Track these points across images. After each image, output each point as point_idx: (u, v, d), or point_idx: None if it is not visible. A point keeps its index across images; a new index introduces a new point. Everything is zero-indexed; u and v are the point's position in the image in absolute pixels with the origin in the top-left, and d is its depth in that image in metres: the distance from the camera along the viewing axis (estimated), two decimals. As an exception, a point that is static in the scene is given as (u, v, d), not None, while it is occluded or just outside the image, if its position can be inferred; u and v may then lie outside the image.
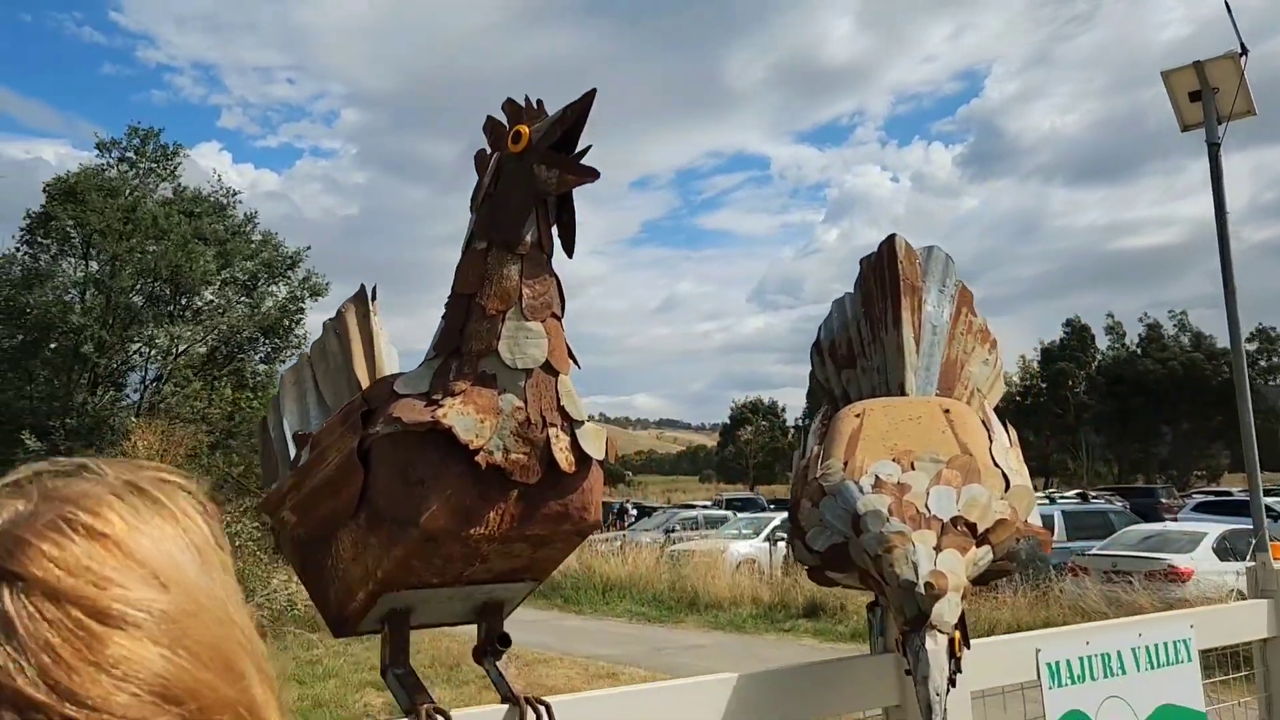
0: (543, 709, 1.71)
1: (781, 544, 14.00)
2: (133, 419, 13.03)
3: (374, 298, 2.15)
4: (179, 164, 15.18)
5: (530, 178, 1.61)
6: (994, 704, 2.55)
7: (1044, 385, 58.35)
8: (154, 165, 15.04)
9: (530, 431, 1.59)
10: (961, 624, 2.28)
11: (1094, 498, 25.69)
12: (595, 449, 1.66)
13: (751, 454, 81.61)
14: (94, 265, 13.18)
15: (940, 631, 1.79)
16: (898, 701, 2.25)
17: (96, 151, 14.76)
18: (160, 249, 13.23)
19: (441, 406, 1.55)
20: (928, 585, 1.83)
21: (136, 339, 13.13)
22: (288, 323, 14.63)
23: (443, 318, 1.68)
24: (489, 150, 1.74)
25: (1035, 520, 2.13)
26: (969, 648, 2.27)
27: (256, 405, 13.54)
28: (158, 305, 13.42)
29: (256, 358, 14.58)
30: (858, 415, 2.37)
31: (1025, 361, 59.89)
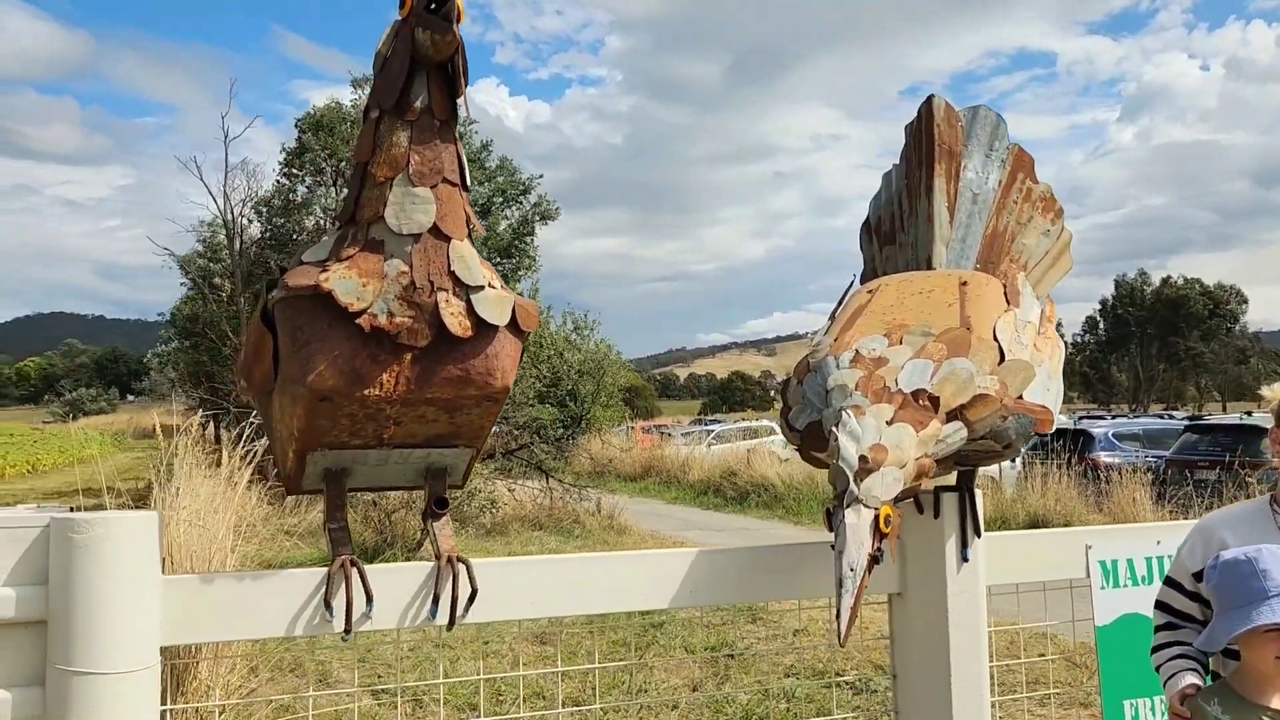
0: (462, 567, 1.77)
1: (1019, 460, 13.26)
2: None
3: None
4: (418, 95, 16.23)
5: (411, 43, 1.61)
6: (1032, 600, 2.37)
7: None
8: (399, 97, 16.12)
9: (416, 295, 1.62)
10: (971, 511, 2.12)
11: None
12: (495, 314, 1.67)
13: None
14: (344, 192, 14.43)
15: (866, 506, 1.68)
16: (898, 589, 2.14)
17: (351, 87, 16.02)
18: (400, 176, 14.19)
19: (326, 271, 1.61)
20: (861, 459, 1.72)
21: (385, 260, 14.19)
22: (520, 244, 15.32)
23: (346, 187, 1.74)
24: None
25: (1036, 397, 1.93)
26: (979, 535, 2.12)
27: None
28: (402, 229, 14.49)
29: (492, 275, 15.49)
30: (870, 291, 2.23)
31: None
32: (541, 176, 15.34)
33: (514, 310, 1.71)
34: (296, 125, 14.17)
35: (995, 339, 1.96)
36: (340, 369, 1.60)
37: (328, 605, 1.68)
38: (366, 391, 1.63)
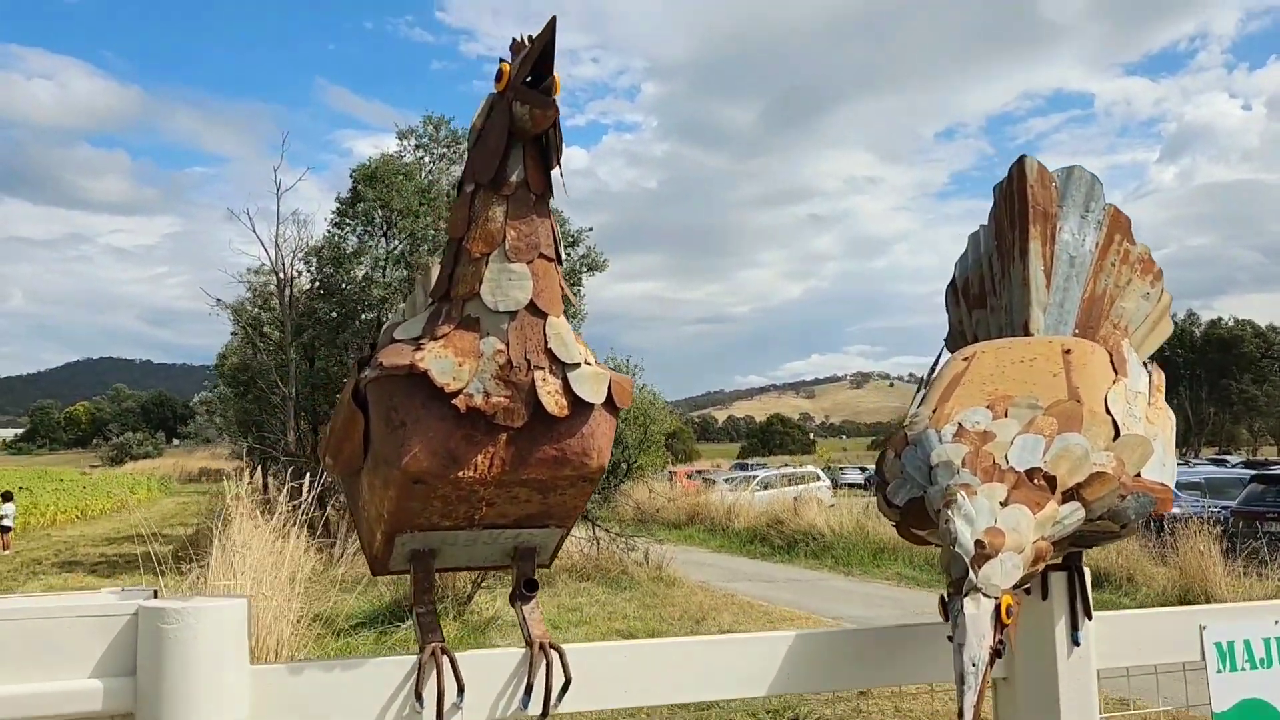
0: (555, 655, 1.70)
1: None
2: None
3: None
4: (466, 147, 16.49)
5: (508, 116, 1.58)
6: (1144, 684, 2.24)
7: None
8: (445, 150, 16.39)
9: (513, 374, 1.57)
10: (1082, 591, 2.02)
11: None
12: (591, 392, 1.61)
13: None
14: (395, 243, 14.63)
15: (985, 595, 1.58)
16: (1004, 674, 2.03)
17: (397, 139, 16.37)
18: (450, 227, 14.33)
19: (421, 350, 1.56)
20: (978, 544, 1.62)
21: (433, 310, 14.28)
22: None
23: (439, 263, 1.69)
24: None
25: (1154, 474, 1.83)
26: (1090, 618, 2.01)
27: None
28: (451, 279, 14.63)
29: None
30: (965, 359, 2.14)
31: None
32: (591, 229, 15.41)
33: (609, 386, 1.65)
34: (351, 176, 14.45)
35: (1108, 412, 1.87)
36: (435, 451, 1.55)
37: (418, 696, 1.62)
38: (461, 474, 1.57)
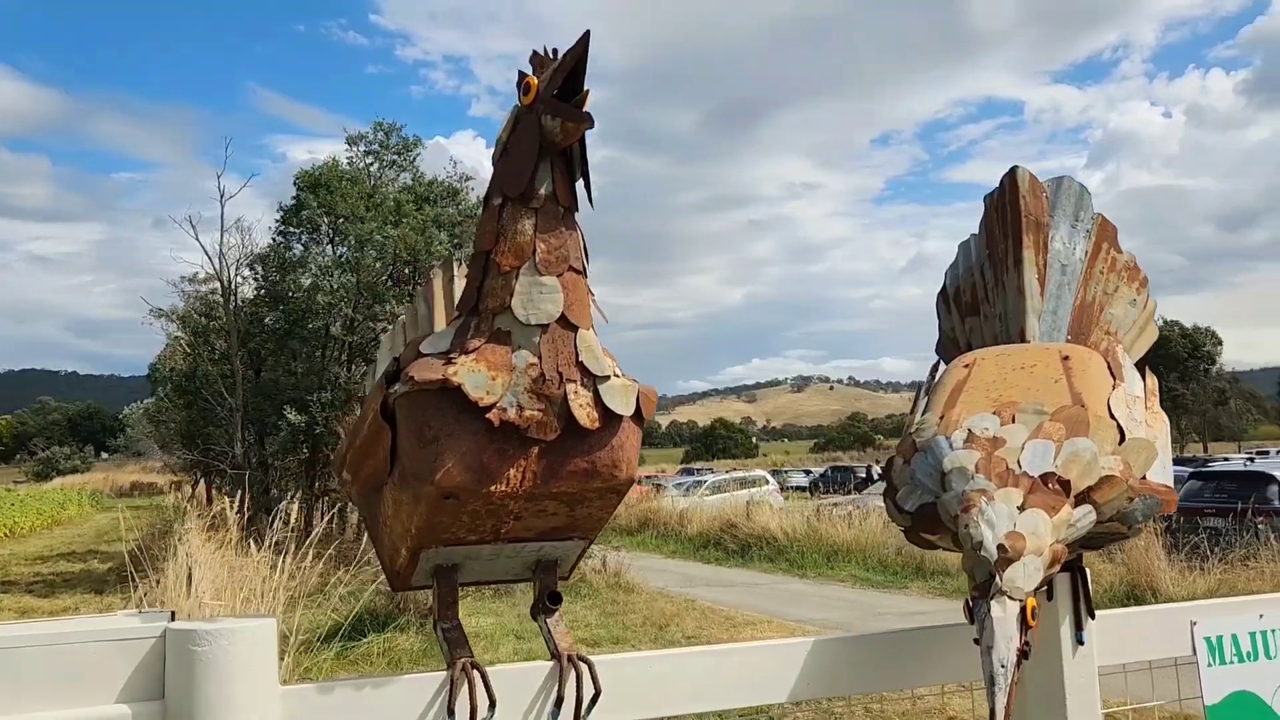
0: (585, 667, 1.70)
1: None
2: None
3: (460, 264, 2.19)
4: (417, 154, 16.31)
5: (538, 129, 1.58)
6: (1139, 680, 2.31)
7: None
8: (395, 156, 16.24)
9: (545, 388, 1.56)
10: (1084, 592, 2.07)
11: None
12: (621, 405, 1.62)
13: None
14: (340, 250, 14.45)
15: (1010, 598, 1.62)
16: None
17: (346, 145, 16.18)
18: (399, 233, 14.21)
19: (453, 364, 1.55)
20: (1000, 548, 1.66)
21: (381, 316, 14.22)
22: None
23: (466, 276, 1.69)
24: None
25: (1157, 477, 1.88)
26: (1093, 618, 2.06)
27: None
28: (399, 285, 14.42)
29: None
30: (966, 366, 2.19)
31: None
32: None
33: (637, 398, 1.66)
34: (295, 183, 14.24)
35: (1111, 416, 1.92)
36: (468, 465, 1.54)
37: (450, 712, 1.60)
38: (493, 488, 1.57)
